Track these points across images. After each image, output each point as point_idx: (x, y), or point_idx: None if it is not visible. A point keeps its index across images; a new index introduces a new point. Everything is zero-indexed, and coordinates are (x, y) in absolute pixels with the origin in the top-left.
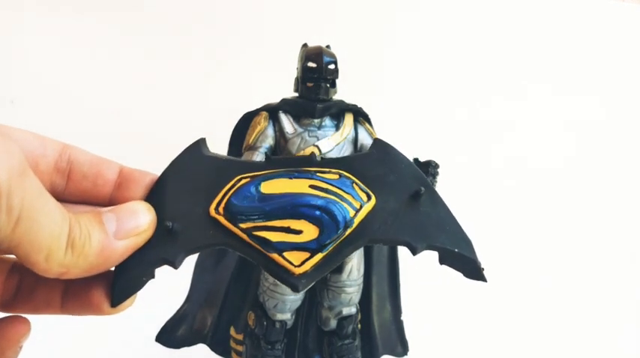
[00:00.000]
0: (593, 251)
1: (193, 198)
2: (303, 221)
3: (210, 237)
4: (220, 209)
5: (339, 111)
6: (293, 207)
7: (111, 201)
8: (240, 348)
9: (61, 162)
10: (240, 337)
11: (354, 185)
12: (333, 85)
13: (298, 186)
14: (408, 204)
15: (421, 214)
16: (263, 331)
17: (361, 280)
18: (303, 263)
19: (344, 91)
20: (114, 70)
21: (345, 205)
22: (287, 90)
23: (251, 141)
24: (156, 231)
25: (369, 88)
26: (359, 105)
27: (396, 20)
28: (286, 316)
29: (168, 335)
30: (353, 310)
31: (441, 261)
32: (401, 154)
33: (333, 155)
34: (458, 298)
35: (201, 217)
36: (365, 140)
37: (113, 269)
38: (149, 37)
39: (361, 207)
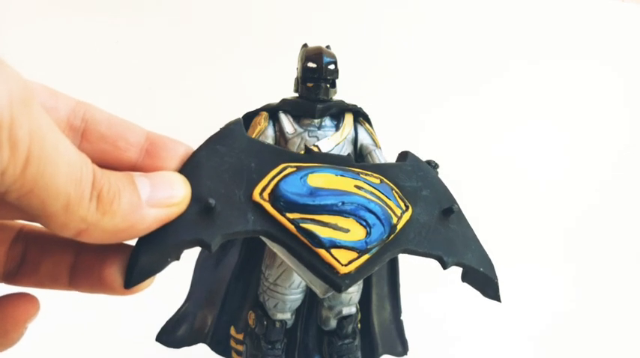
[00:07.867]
0: (591, 251)
1: (233, 179)
2: (351, 220)
3: (251, 223)
4: (265, 195)
5: (339, 112)
6: (343, 204)
7: (136, 168)
8: (240, 348)
9: (74, 118)
10: (240, 337)
11: (394, 192)
12: (333, 85)
13: (345, 184)
14: (438, 220)
15: (450, 231)
16: (263, 331)
17: (361, 280)
18: (350, 262)
19: (344, 91)
20: (110, 68)
21: (389, 211)
22: (286, 90)
23: None
24: (190, 209)
25: (368, 88)
26: (359, 106)
27: (396, 20)
28: (286, 316)
29: (168, 335)
30: (353, 310)
31: (464, 278)
32: (432, 170)
33: None
34: (457, 298)
35: (241, 201)
36: (365, 140)
37: (132, 243)
38: (147, 36)
39: (402, 215)
